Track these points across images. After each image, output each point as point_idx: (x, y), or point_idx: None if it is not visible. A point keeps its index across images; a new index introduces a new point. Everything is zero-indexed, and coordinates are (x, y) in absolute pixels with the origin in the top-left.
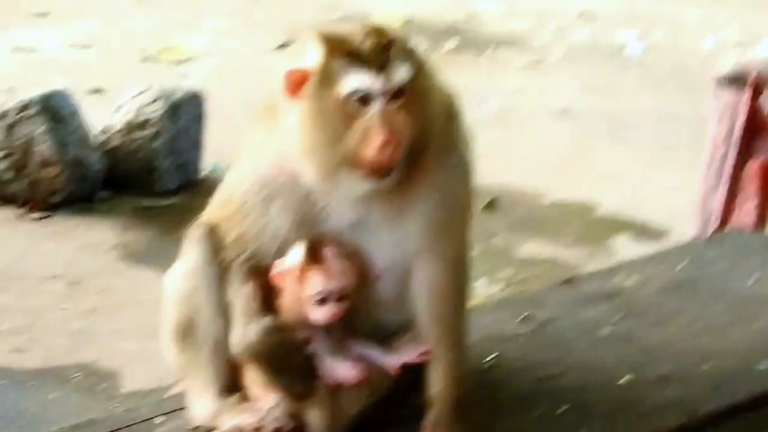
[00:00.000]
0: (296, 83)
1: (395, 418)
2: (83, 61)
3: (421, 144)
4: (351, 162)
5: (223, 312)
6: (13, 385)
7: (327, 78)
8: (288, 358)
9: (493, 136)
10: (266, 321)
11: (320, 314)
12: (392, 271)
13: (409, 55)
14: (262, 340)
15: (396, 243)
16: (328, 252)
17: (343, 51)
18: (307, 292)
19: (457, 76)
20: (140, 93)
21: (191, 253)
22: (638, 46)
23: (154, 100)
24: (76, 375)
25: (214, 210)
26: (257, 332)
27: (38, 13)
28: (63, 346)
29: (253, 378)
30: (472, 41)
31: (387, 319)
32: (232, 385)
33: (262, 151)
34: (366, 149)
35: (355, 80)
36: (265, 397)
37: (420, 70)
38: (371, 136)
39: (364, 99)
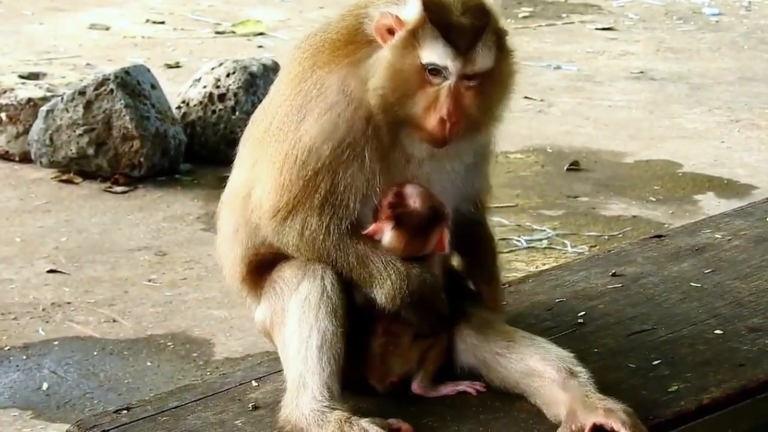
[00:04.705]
0: (388, 29)
1: None
2: (158, 36)
3: (481, 123)
4: (413, 123)
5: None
6: (109, 355)
7: (413, 40)
8: (441, 297)
9: (573, 99)
10: (417, 266)
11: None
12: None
13: (499, 43)
14: (424, 283)
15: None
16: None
17: (437, 19)
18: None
19: (533, 41)
20: (218, 66)
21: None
22: (713, 8)
23: (232, 73)
24: (169, 344)
25: (284, 181)
26: (418, 277)
27: None
28: (154, 315)
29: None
30: (546, 8)
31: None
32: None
33: (340, 102)
34: (427, 119)
35: (435, 54)
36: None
37: (504, 60)
38: (435, 109)
39: (439, 72)
